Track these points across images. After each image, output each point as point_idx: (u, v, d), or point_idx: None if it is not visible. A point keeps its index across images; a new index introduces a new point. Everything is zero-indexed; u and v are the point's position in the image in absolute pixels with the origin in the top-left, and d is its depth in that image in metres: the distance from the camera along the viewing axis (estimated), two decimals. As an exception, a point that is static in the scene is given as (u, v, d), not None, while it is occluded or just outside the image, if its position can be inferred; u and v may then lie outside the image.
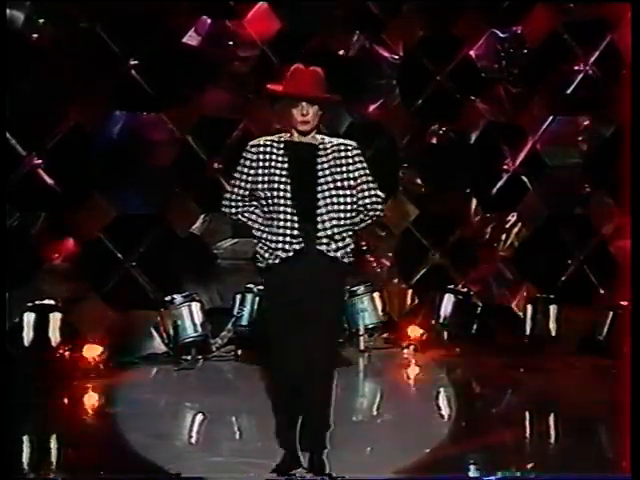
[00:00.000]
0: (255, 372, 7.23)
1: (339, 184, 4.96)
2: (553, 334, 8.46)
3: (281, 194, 4.93)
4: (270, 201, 4.96)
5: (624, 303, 7.95)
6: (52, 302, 7.64)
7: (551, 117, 8.95)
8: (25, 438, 6.07)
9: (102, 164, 7.92)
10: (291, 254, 4.94)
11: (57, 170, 7.84)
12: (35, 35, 7.72)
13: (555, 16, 8.83)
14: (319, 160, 5.00)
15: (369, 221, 5.15)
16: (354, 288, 8.42)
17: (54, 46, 7.74)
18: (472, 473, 5.37)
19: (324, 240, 4.95)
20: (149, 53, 8.03)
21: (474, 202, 8.95)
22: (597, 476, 5.02)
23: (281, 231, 4.95)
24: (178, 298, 7.89)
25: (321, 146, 5.04)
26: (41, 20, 7.73)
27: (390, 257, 8.88)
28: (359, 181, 5.02)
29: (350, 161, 5.02)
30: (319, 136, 5.07)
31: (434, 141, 8.96)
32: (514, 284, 8.97)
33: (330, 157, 5.01)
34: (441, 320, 8.59)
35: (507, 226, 8.98)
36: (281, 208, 4.93)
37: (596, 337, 8.38)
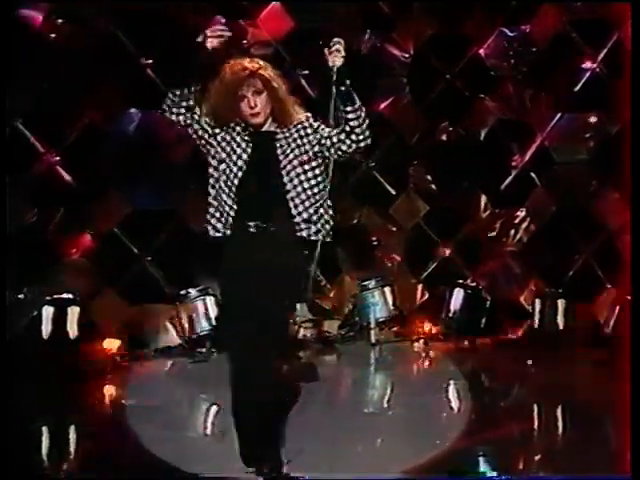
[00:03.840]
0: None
1: (301, 159, 4.66)
2: (561, 327, 8.46)
3: (232, 187, 4.62)
4: (221, 185, 4.66)
5: (630, 298, 7.94)
6: (70, 296, 7.68)
7: (559, 114, 8.93)
8: (44, 429, 6.11)
9: (118, 161, 7.96)
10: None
11: (74, 167, 7.90)
12: (53, 35, 7.77)
13: (563, 15, 8.82)
14: (278, 146, 4.68)
15: (364, 140, 4.72)
16: (365, 282, 8.44)
17: (72, 46, 7.78)
18: (480, 466, 5.40)
19: (303, 225, 4.67)
20: (164, 52, 8.05)
21: (483, 198, 8.94)
22: (597, 476, 4.95)
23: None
24: (193, 292, 7.91)
25: (278, 130, 4.72)
26: (59, 20, 7.78)
27: (400, 252, 8.89)
28: (324, 135, 4.67)
29: (309, 131, 4.71)
30: (275, 124, 4.74)
31: (444, 138, 8.94)
32: (522, 278, 8.95)
33: (290, 139, 4.69)
34: (450, 314, 8.59)
35: (515, 222, 8.97)
36: (227, 198, 4.64)
37: (603, 331, 8.39)
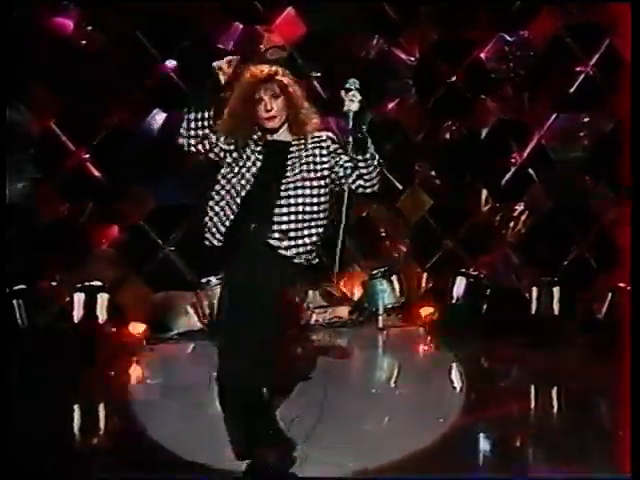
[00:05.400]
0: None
1: (306, 175, 4.38)
2: (556, 313, 8.51)
3: (235, 193, 4.39)
4: (222, 193, 4.45)
5: (622, 285, 8.00)
6: (99, 283, 7.79)
7: (555, 114, 8.97)
8: (76, 407, 6.20)
9: (143, 158, 8.03)
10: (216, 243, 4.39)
11: (103, 164, 7.98)
12: (83, 41, 7.84)
13: (559, 21, 8.85)
14: (290, 156, 4.42)
15: (371, 188, 4.55)
16: (374, 271, 8.52)
17: (100, 50, 7.86)
18: (481, 444, 5.46)
19: (276, 235, 4.33)
20: (186, 56, 8.11)
21: (484, 193, 8.99)
22: (597, 476, 4.83)
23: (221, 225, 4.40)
24: (213, 280, 7.98)
25: (294, 142, 4.47)
26: (89, 27, 7.85)
27: (407, 243, 8.94)
28: (339, 162, 4.43)
29: (324, 152, 4.46)
30: (290, 133, 4.50)
31: (447, 137, 9.00)
32: (521, 268, 9.01)
33: (302, 151, 4.45)
34: (453, 301, 8.65)
35: (514, 215, 9.02)
36: (229, 204, 4.40)
37: (596, 317, 8.44)
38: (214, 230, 4.44)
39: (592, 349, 7.67)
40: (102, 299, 7.72)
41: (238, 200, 4.36)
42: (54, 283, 7.82)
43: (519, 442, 5.55)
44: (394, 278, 8.53)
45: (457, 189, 8.91)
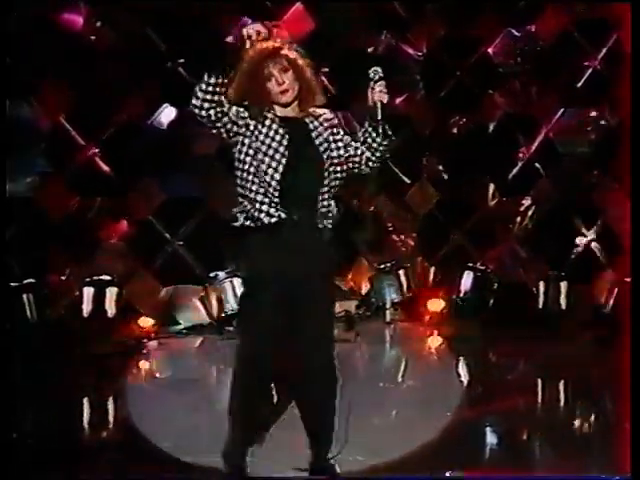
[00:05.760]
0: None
1: (344, 156, 4.21)
2: (563, 308, 8.49)
3: (269, 175, 4.08)
4: (255, 179, 4.10)
5: (628, 280, 7.95)
6: (109, 278, 7.80)
7: (562, 109, 8.94)
8: (85, 400, 6.20)
9: (152, 153, 8.04)
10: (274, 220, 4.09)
11: (112, 159, 7.98)
12: (93, 37, 7.84)
13: (566, 15, 8.83)
14: (314, 135, 4.19)
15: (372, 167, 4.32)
16: (382, 265, 8.50)
17: (110, 47, 7.86)
18: (488, 437, 5.44)
19: (324, 221, 4.17)
20: (195, 52, 8.10)
21: (491, 187, 8.97)
22: (597, 476, 4.69)
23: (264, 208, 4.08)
24: (221, 274, 8.00)
25: (307, 120, 4.20)
26: (98, 23, 7.85)
27: (414, 237, 8.93)
28: (347, 141, 4.24)
29: (334, 131, 4.23)
30: (301, 110, 4.21)
31: (455, 131, 8.98)
32: (528, 262, 8.99)
33: (322, 130, 4.21)
34: (461, 295, 8.64)
35: (522, 209, 9.00)
36: (271, 187, 4.08)
37: (602, 311, 8.41)
38: (265, 207, 4.10)
39: (599, 343, 7.64)
40: (111, 293, 7.73)
41: (277, 177, 4.10)
42: (63, 277, 7.83)
43: (521, 439, 5.51)
44: (401, 272, 8.53)
45: (464, 183, 8.90)
